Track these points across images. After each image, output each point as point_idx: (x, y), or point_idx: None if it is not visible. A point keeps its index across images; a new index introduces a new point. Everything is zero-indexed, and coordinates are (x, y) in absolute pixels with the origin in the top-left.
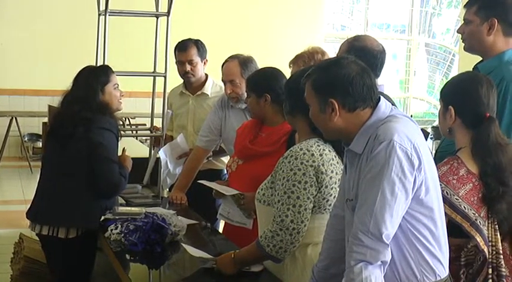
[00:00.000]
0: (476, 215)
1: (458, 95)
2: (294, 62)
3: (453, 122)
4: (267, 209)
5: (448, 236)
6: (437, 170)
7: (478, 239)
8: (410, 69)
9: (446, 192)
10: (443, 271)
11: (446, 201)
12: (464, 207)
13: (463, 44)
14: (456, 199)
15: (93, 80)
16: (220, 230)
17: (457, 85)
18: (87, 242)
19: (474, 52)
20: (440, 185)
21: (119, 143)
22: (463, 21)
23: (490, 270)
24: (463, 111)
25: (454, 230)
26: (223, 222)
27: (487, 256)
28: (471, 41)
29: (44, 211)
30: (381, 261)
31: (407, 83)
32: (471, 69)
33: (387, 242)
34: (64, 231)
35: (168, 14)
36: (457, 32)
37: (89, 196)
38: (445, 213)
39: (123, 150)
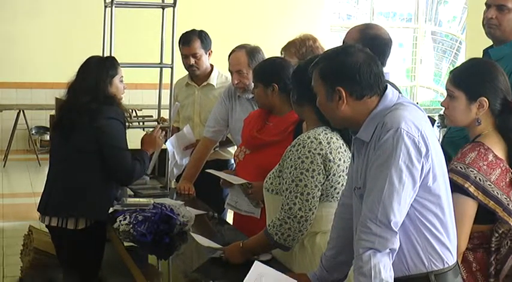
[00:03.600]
0: (508, 199)
1: (491, 87)
2: (286, 48)
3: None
4: (275, 197)
5: (474, 223)
6: (465, 156)
7: None
8: (417, 58)
9: (479, 178)
10: (451, 258)
11: (479, 187)
12: (497, 192)
13: (489, 29)
14: (489, 185)
15: (103, 71)
16: (228, 219)
17: (487, 77)
18: (96, 233)
19: (497, 38)
20: (472, 171)
21: (126, 133)
22: (495, 7)
23: None
24: (494, 102)
25: (478, 216)
26: (231, 212)
27: None
28: (506, 28)
29: (52, 203)
30: (390, 249)
31: (414, 71)
32: (481, 55)
33: (396, 230)
34: (73, 222)
35: (174, 5)
36: (487, 16)
37: (97, 187)
38: (479, 199)
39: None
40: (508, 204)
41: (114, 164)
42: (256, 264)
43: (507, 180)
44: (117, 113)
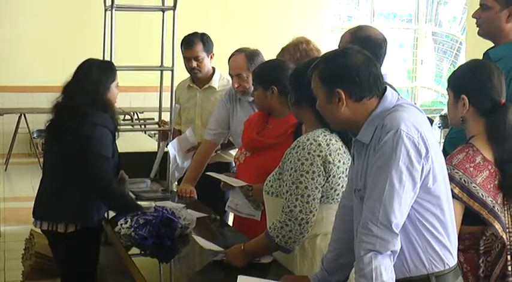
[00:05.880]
0: (494, 202)
1: (471, 84)
2: (280, 55)
3: (466, 111)
4: (275, 200)
5: (463, 224)
6: (453, 158)
7: (497, 226)
8: (418, 59)
9: (464, 180)
10: (452, 259)
11: (464, 189)
12: (482, 194)
13: (477, 29)
14: (474, 187)
15: (104, 75)
16: (230, 222)
17: (469, 74)
18: (88, 235)
19: (488, 38)
20: (458, 172)
21: (128, 139)
22: (479, 6)
23: (508, 257)
24: (477, 100)
25: (469, 217)
26: (233, 214)
27: (506, 243)
28: (488, 27)
29: (40, 207)
30: (391, 251)
31: (415, 72)
32: (481, 55)
33: (397, 231)
34: (63, 226)
35: (174, 7)
36: (472, 16)
37: (82, 192)
38: (463, 201)
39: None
40: (493, 206)
41: (92, 171)
42: (240, 279)
43: (495, 182)
44: (105, 120)
